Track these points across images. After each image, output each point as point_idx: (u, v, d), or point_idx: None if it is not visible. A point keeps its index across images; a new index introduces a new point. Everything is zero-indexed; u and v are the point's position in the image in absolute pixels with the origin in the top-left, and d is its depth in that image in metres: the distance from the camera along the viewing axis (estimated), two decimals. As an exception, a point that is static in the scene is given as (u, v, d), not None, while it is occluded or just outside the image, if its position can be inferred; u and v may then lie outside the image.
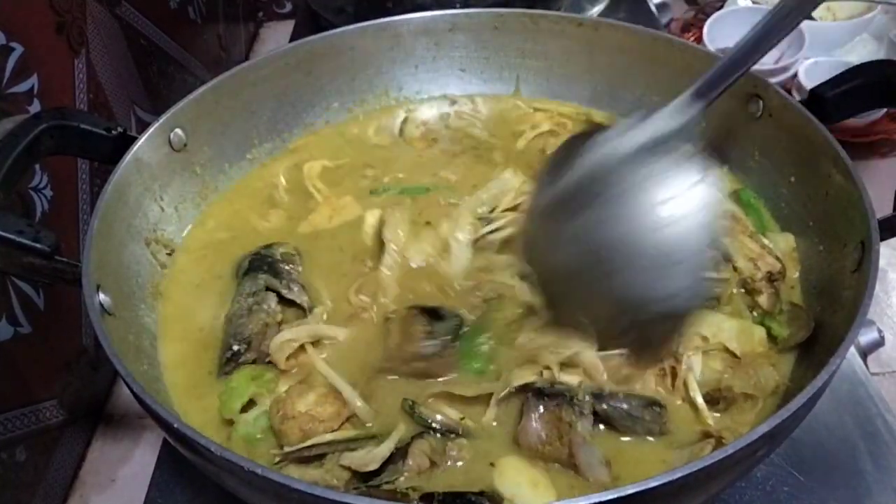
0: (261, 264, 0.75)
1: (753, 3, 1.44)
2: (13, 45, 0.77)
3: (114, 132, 0.73)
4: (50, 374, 0.84)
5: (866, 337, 0.82)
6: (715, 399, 0.62)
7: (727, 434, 0.59)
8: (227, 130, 0.87)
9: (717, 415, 0.62)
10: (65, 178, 0.87)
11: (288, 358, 0.67)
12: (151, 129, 0.77)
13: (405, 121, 0.96)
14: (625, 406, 0.60)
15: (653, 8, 1.38)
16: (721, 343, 0.65)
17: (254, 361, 0.68)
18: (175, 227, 0.81)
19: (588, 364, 0.62)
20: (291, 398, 0.64)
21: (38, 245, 0.58)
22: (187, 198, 0.83)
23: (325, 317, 0.72)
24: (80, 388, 0.90)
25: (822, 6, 1.41)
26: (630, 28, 0.90)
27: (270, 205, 0.87)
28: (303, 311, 0.72)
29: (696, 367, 0.64)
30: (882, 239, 0.62)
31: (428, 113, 0.98)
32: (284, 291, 0.73)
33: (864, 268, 0.60)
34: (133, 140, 0.75)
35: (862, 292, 0.57)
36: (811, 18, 1.40)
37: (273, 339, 0.68)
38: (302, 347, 0.69)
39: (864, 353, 0.81)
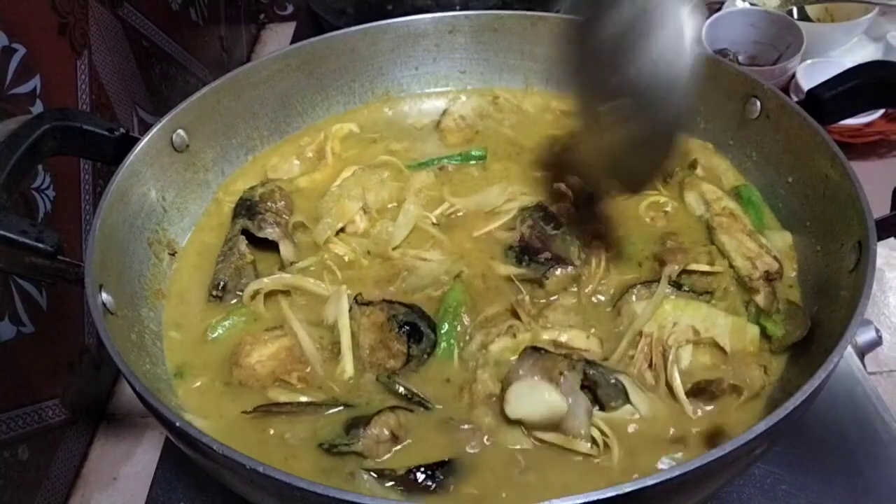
0: (241, 209, 0.81)
1: (751, 4, 1.45)
2: (15, 46, 0.78)
3: (116, 133, 0.73)
4: (52, 373, 0.85)
5: (864, 336, 0.82)
6: (701, 390, 0.62)
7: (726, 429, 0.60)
8: (228, 131, 0.88)
9: (709, 407, 0.62)
10: (67, 179, 0.88)
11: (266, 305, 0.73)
12: (154, 131, 0.77)
13: (444, 112, 0.97)
14: (611, 378, 0.62)
15: (652, 9, 1.39)
16: (712, 338, 0.65)
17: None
18: (177, 227, 0.81)
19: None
20: (249, 345, 0.67)
21: (40, 245, 0.59)
22: (189, 198, 0.84)
23: (294, 265, 0.76)
24: (82, 387, 0.90)
25: (820, 8, 1.42)
26: (629, 29, 0.91)
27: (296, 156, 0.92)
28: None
29: (685, 358, 0.65)
30: (879, 239, 0.62)
31: (466, 107, 0.98)
32: (255, 231, 0.77)
33: (862, 267, 0.60)
34: (135, 141, 0.75)
35: (859, 292, 0.57)
36: (809, 20, 1.41)
37: (248, 284, 0.73)
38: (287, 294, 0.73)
39: (862, 353, 0.82)
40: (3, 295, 0.76)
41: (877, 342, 0.83)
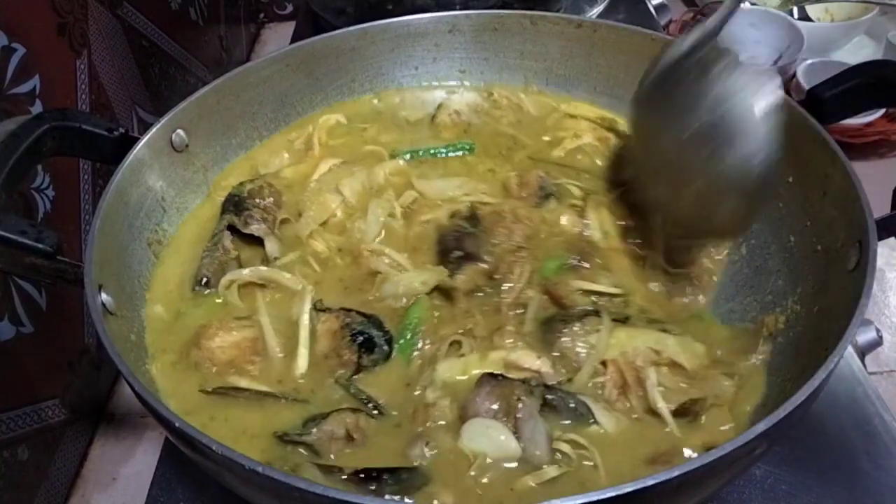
0: (229, 204, 0.80)
1: (752, 4, 1.45)
2: (15, 45, 0.78)
3: (115, 133, 0.73)
4: (52, 373, 0.85)
5: (864, 336, 0.82)
6: (685, 411, 0.61)
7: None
8: (228, 131, 0.88)
9: (694, 424, 0.61)
10: (67, 179, 0.88)
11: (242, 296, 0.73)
12: (153, 130, 0.77)
13: (439, 107, 0.97)
14: (571, 402, 0.61)
15: (651, 9, 1.39)
16: (670, 357, 0.65)
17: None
18: (177, 227, 0.81)
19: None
20: (212, 330, 0.67)
21: (40, 245, 0.59)
22: (189, 198, 0.84)
23: (278, 261, 0.76)
24: (82, 387, 0.90)
25: (821, 7, 1.42)
26: (629, 29, 0.91)
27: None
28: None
29: (653, 378, 0.63)
30: (880, 239, 0.62)
31: (461, 102, 0.98)
32: (240, 226, 0.77)
33: (862, 267, 0.60)
34: (135, 141, 0.75)
35: (859, 292, 0.57)
36: (809, 20, 1.41)
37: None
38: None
39: (862, 353, 0.82)
40: (2, 295, 0.76)
41: (877, 342, 0.83)
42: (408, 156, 0.89)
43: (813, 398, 0.52)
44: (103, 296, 0.64)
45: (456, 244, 0.75)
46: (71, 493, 0.88)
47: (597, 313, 0.67)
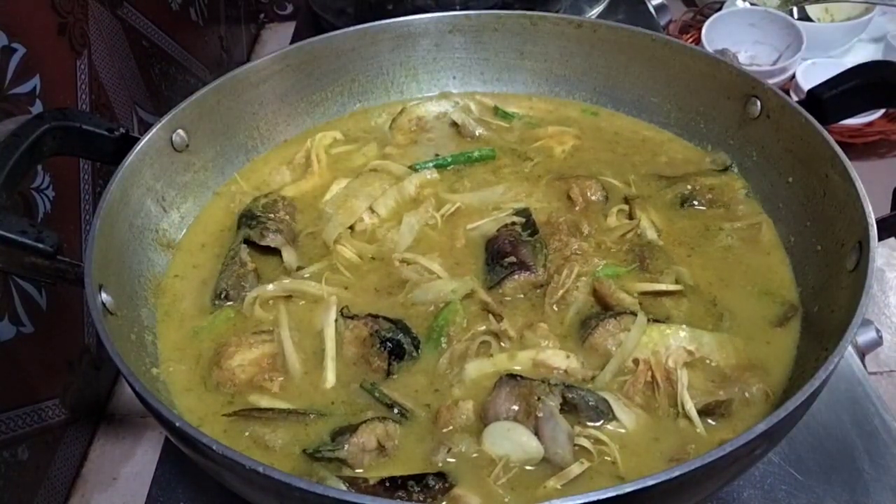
0: (244, 219, 0.81)
1: (751, 4, 1.45)
2: (15, 45, 0.78)
3: (116, 133, 0.73)
4: (52, 373, 0.85)
5: (864, 336, 0.82)
6: (710, 412, 0.62)
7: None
8: (228, 131, 0.88)
9: (717, 423, 0.61)
10: (67, 179, 0.88)
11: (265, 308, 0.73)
12: (153, 130, 0.77)
13: (439, 116, 0.97)
14: (591, 400, 0.61)
15: (651, 9, 1.39)
16: (704, 357, 0.65)
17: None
18: (177, 227, 0.81)
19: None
20: (232, 348, 0.67)
21: (40, 245, 0.59)
22: (189, 198, 0.84)
23: (307, 275, 0.76)
24: (82, 387, 0.90)
25: (821, 8, 1.42)
26: (629, 29, 0.91)
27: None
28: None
29: (684, 380, 0.63)
30: (880, 239, 0.62)
31: (466, 112, 0.97)
32: (256, 238, 0.78)
33: (862, 267, 0.60)
34: (135, 141, 0.75)
35: (859, 292, 0.57)
36: (809, 20, 1.41)
37: (249, 292, 0.73)
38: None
39: (862, 353, 0.82)
40: (2, 295, 0.75)
41: (877, 342, 0.83)
42: (431, 165, 0.89)
43: (813, 398, 0.52)
44: (103, 296, 0.64)
45: (512, 249, 0.74)
46: (71, 492, 0.88)
47: (633, 312, 0.67)
